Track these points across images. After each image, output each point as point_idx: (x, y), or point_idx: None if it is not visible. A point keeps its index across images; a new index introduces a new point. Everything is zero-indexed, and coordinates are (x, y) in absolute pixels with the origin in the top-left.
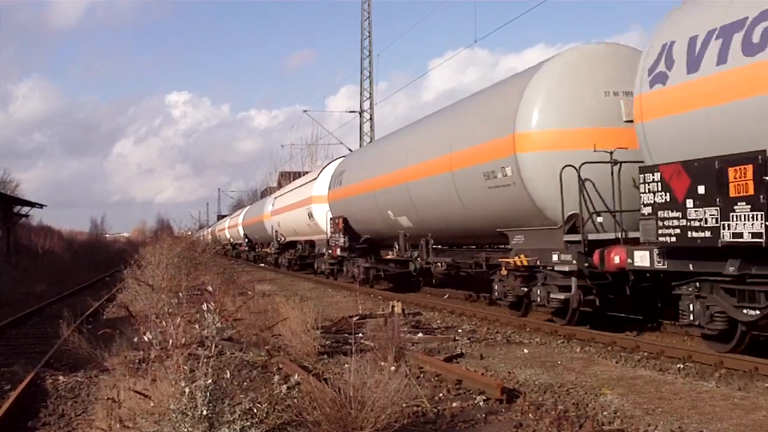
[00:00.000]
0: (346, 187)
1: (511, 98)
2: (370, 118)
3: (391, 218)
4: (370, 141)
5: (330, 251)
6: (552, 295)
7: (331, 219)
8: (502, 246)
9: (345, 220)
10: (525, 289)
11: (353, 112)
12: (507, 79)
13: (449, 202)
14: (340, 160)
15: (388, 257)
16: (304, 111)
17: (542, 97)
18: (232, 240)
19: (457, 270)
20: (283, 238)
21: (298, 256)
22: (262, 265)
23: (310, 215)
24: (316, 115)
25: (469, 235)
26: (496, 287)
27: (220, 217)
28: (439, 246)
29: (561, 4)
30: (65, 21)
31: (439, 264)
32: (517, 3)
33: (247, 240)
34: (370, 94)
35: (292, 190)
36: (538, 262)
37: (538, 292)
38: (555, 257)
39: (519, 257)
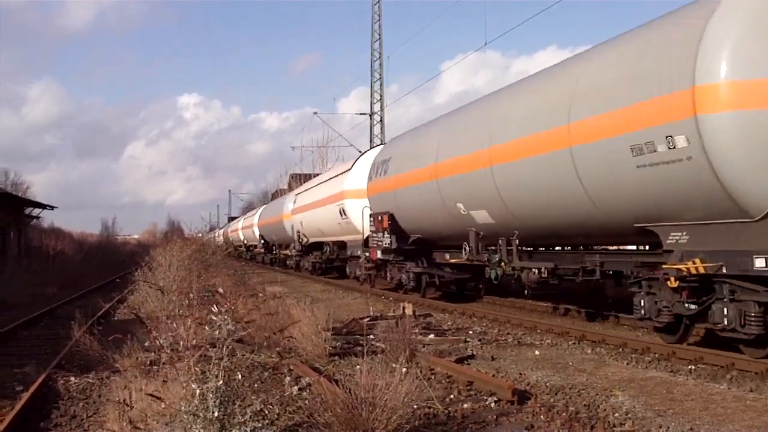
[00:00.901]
0: (394, 177)
1: (682, 35)
2: (381, 120)
3: (461, 213)
4: (381, 143)
5: (367, 254)
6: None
7: (371, 216)
8: (625, 247)
9: (391, 217)
10: (693, 306)
11: (363, 114)
12: (669, 14)
13: (561, 189)
14: (378, 148)
15: (450, 261)
16: (315, 113)
17: (742, 28)
18: (246, 241)
19: (559, 278)
20: (305, 239)
21: (324, 259)
22: (278, 268)
23: (342, 212)
24: (326, 118)
25: (582, 232)
26: (643, 303)
27: (231, 219)
28: (522, 247)
29: (572, 7)
30: (76, 24)
31: (534, 270)
32: (528, 5)
33: (263, 241)
34: (381, 96)
35: (317, 185)
36: (723, 269)
37: (725, 312)
38: (760, 262)
39: (691, 262)
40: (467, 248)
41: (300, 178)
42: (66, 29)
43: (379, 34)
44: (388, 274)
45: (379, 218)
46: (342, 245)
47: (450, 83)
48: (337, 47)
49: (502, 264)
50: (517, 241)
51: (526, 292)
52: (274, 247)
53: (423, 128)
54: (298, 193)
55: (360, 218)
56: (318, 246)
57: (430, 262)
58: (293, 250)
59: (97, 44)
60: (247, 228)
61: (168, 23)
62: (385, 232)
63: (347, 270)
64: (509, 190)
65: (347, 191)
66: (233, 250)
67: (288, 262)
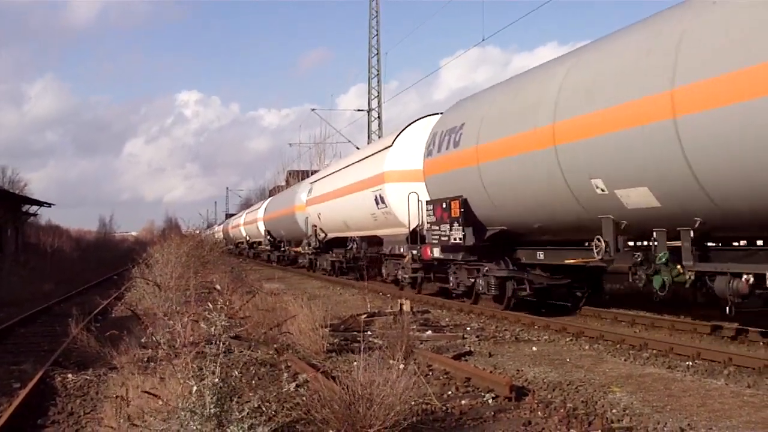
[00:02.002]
0: (472, 149)
1: None
2: (378, 117)
3: (596, 193)
4: (379, 138)
5: (415, 251)
6: None
7: (429, 203)
8: None
9: (464, 203)
10: None
11: (361, 110)
12: None
13: None
14: (432, 116)
15: (547, 261)
16: (312, 110)
17: None
18: (248, 238)
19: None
20: (323, 235)
21: (349, 258)
22: (288, 268)
23: (380, 200)
24: (325, 114)
25: None
26: None
27: (228, 215)
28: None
29: (571, 3)
30: (79, 22)
31: (744, 278)
32: (526, 1)
33: (269, 238)
34: (378, 92)
35: (342, 170)
36: None
37: None
38: None
39: None
40: (601, 244)
41: (298, 175)
42: (71, 26)
43: (377, 31)
44: (451, 278)
45: (444, 205)
46: (374, 241)
47: (450, 79)
48: (342, 44)
49: (675, 267)
50: (695, 234)
51: (728, 310)
52: (282, 244)
53: (530, 75)
54: (315, 181)
55: (404, 207)
56: (340, 242)
57: (515, 262)
58: (307, 247)
59: (101, 41)
60: (250, 223)
61: (174, 20)
62: (455, 224)
63: (383, 271)
64: (705, 154)
65: (388, 173)
66: (234, 247)
67: (300, 261)
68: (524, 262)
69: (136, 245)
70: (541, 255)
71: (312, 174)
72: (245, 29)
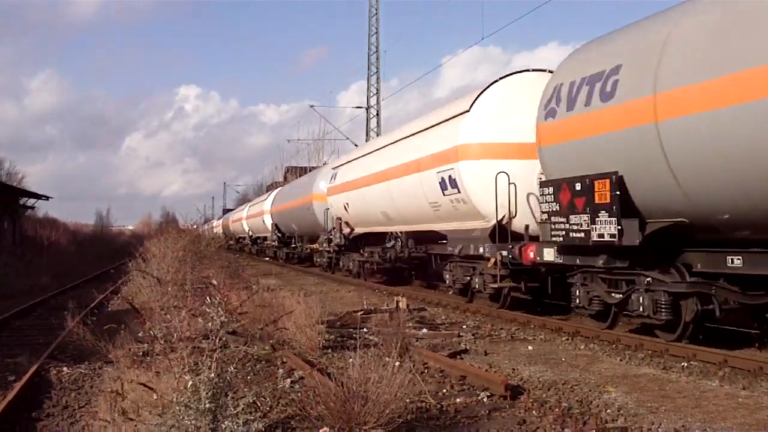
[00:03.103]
0: (642, 101)
1: None
2: (377, 114)
3: None
4: (377, 136)
5: (508, 253)
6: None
7: (545, 184)
8: None
9: (618, 183)
10: None
11: (359, 108)
12: None
13: None
14: (527, 73)
15: None
16: (311, 106)
17: None
18: (251, 233)
19: None
20: (348, 230)
21: (390, 257)
22: (300, 267)
23: (450, 183)
24: (324, 111)
25: None
26: None
27: (226, 210)
28: None
29: (572, 2)
30: (80, 16)
31: None
32: (526, 0)
33: (277, 233)
34: (377, 90)
35: (385, 147)
36: None
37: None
38: None
39: None
40: None
41: (296, 171)
42: (72, 20)
43: (377, 29)
44: (578, 291)
45: (579, 187)
46: (425, 238)
47: (451, 78)
48: (343, 41)
49: None
50: None
51: None
52: (293, 240)
53: None
54: (340, 166)
55: (486, 192)
56: (373, 239)
57: (690, 271)
58: (326, 244)
59: (102, 35)
60: (255, 216)
61: (175, 15)
62: (601, 213)
63: (446, 278)
64: None
65: (465, 148)
66: (235, 242)
67: (317, 260)
68: (700, 270)
69: (132, 239)
70: (736, 261)
71: (310, 170)
72: (246, 25)
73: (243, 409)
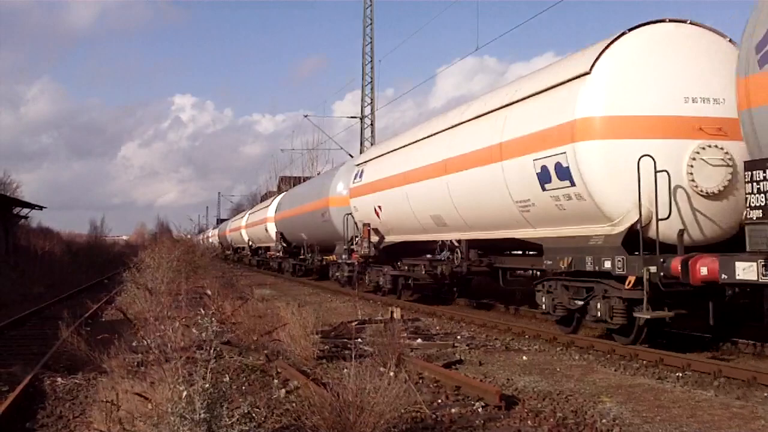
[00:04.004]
0: None
1: None
2: (372, 124)
3: None
4: (371, 146)
5: (663, 268)
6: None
7: (751, 164)
8: None
9: None
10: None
11: (354, 117)
12: None
13: None
14: (681, 25)
15: None
16: (305, 116)
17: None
18: (251, 243)
19: None
20: (377, 238)
21: (442, 273)
22: (299, 276)
23: (556, 173)
24: (319, 121)
25: None
26: None
27: (220, 221)
28: None
29: (567, 13)
30: (78, 24)
31: None
32: (521, 10)
33: (282, 242)
34: (372, 99)
35: (437, 135)
36: None
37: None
38: None
39: None
40: None
41: (290, 181)
42: (69, 29)
43: (371, 39)
44: None
45: None
46: (490, 248)
47: (446, 88)
48: (339, 51)
49: None
50: None
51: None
52: (302, 250)
53: None
54: (367, 162)
55: (610, 184)
56: (406, 249)
57: None
58: (346, 255)
59: (99, 44)
60: (256, 225)
61: (172, 25)
62: None
63: (541, 301)
64: None
65: (585, 123)
66: (233, 253)
67: (334, 274)
68: None
69: (127, 249)
70: None
71: (304, 180)
72: (242, 34)
73: (238, 419)
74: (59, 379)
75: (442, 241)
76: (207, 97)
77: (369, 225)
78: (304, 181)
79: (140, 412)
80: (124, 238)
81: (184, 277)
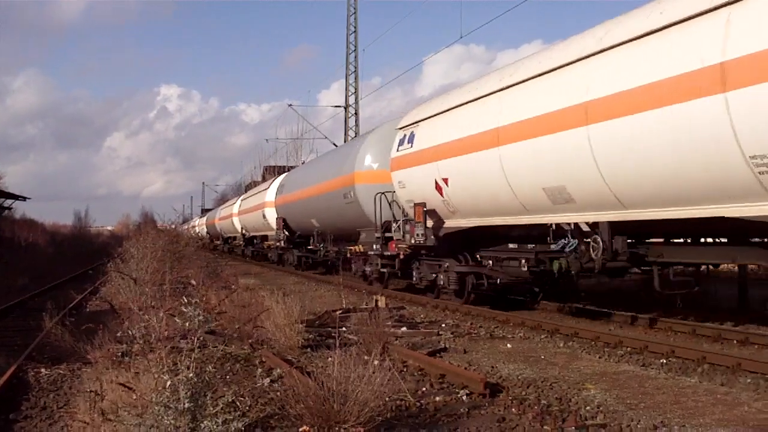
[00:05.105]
0: None
1: None
2: (356, 113)
3: None
4: (356, 135)
5: None
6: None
7: None
8: None
9: None
10: None
11: (338, 107)
12: None
13: None
14: None
15: None
16: (289, 105)
17: None
18: (246, 231)
19: None
20: (434, 222)
21: (561, 268)
22: (304, 271)
23: None
24: (304, 110)
25: None
26: None
27: (204, 210)
28: None
29: (553, 1)
30: (66, 16)
31: None
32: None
33: (284, 231)
34: (356, 89)
35: (556, 71)
36: None
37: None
38: None
39: None
40: None
41: (273, 171)
42: (56, 21)
43: (355, 27)
44: None
45: None
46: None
47: (433, 76)
48: (326, 40)
49: None
50: None
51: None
52: (312, 239)
53: None
54: (419, 121)
55: None
56: (479, 237)
57: None
58: (378, 246)
59: (87, 36)
60: (251, 211)
61: (160, 16)
62: None
63: None
64: None
65: None
66: (222, 243)
67: (365, 270)
68: None
69: (111, 239)
70: None
71: (289, 170)
72: (229, 24)
73: (222, 408)
74: (43, 370)
75: (555, 224)
76: (193, 87)
77: (424, 205)
78: (288, 170)
79: (125, 402)
80: (109, 228)
81: (168, 267)
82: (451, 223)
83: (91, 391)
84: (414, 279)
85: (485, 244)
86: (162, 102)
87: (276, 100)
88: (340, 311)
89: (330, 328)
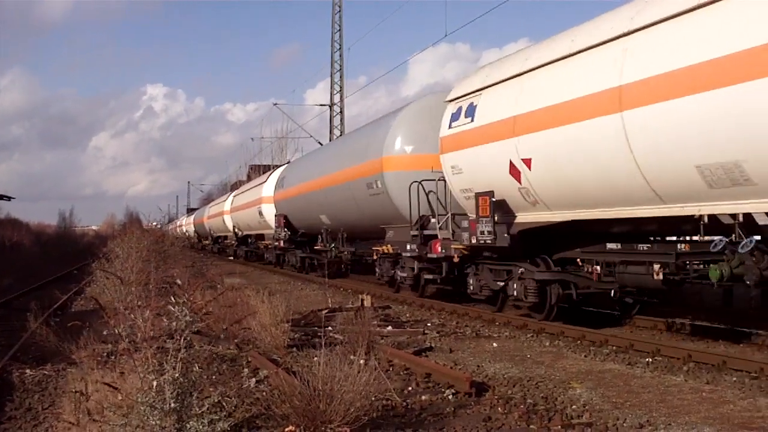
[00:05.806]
0: None
1: None
2: (341, 112)
3: None
4: (341, 134)
5: None
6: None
7: None
8: None
9: None
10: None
11: (323, 105)
12: None
13: None
14: None
15: None
16: (275, 104)
17: None
18: (239, 230)
19: None
20: (505, 217)
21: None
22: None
23: None
24: (290, 109)
25: None
26: None
27: (190, 210)
28: None
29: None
30: (52, 15)
31: None
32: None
33: (285, 229)
34: (341, 87)
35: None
36: None
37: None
38: None
39: None
40: None
41: (259, 170)
42: (42, 20)
43: (340, 26)
44: None
45: None
46: None
47: (419, 75)
48: (313, 39)
49: None
50: None
51: None
52: (320, 238)
53: None
54: (494, 85)
55: None
56: (562, 235)
57: None
58: (415, 246)
59: (74, 34)
60: (244, 208)
61: (146, 15)
62: None
63: None
64: None
65: None
66: (212, 243)
67: (394, 274)
68: None
69: (96, 239)
70: None
71: (275, 168)
72: (216, 23)
73: (208, 408)
74: (28, 370)
75: (708, 216)
76: (179, 87)
77: (492, 195)
78: (274, 168)
79: (110, 402)
80: (94, 228)
81: (153, 266)
82: (527, 218)
83: (76, 392)
84: (470, 288)
85: (566, 245)
86: (148, 102)
87: (262, 99)
88: (326, 310)
89: (316, 328)
